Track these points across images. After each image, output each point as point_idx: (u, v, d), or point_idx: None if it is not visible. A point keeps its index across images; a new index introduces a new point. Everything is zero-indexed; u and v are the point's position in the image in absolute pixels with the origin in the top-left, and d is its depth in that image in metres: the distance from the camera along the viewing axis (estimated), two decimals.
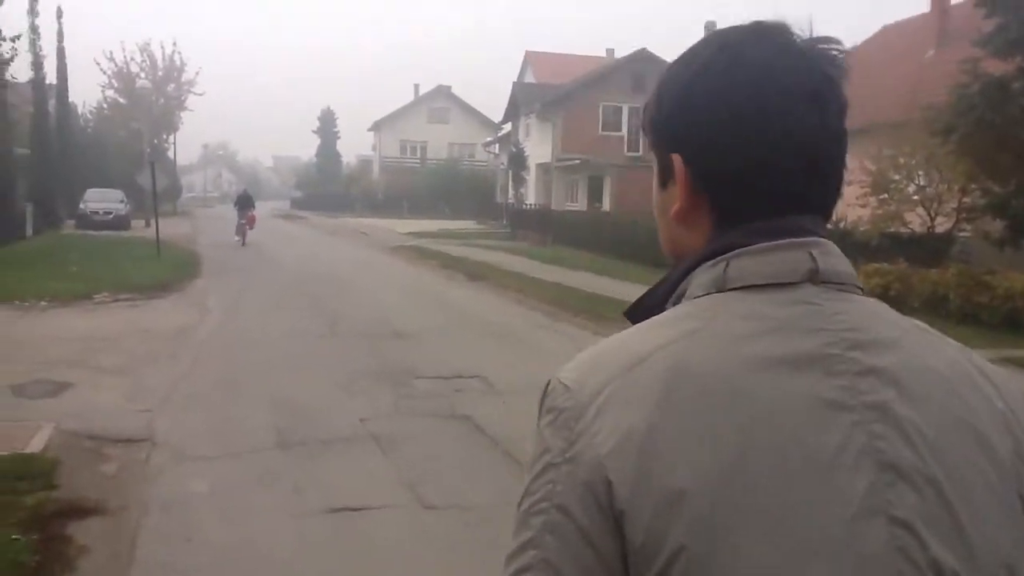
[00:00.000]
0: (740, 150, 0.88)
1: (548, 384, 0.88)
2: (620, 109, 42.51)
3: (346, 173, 79.45)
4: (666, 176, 0.97)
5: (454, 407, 7.91)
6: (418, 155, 71.76)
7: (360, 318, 13.13)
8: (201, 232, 35.68)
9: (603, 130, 42.35)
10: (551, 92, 43.26)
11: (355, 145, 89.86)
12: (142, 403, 7.76)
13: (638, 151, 42.04)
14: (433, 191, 62.11)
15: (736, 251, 0.88)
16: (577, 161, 40.10)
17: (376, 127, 74.44)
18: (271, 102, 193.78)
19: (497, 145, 56.40)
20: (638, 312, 0.96)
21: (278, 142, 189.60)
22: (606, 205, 39.18)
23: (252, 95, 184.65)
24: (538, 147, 43.32)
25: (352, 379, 8.95)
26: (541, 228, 32.98)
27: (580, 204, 41.09)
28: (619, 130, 42.54)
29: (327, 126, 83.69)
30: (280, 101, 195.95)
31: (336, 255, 25.89)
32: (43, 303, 13.69)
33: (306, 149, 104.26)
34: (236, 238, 27.91)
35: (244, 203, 28.86)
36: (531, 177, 44.61)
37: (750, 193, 0.90)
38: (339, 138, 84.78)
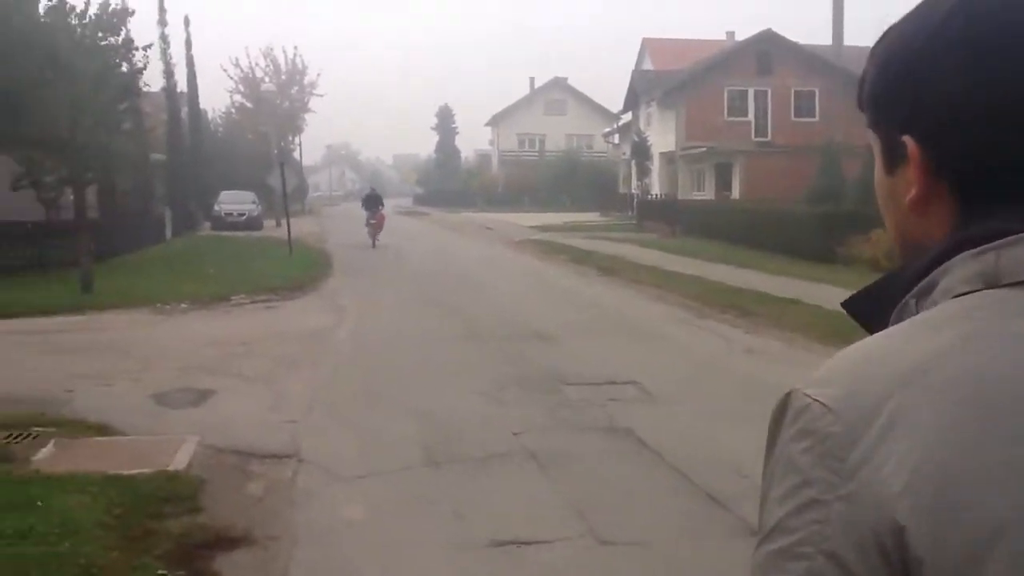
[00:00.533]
0: (996, 125, 0.77)
1: (789, 400, 0.75)
2: (746, 93, 40.84)
3: (465, 168, 79.79)
4: (894, 159, 0.84)
5: (612, 418, 7.25)
6: (536, 148, 71.40)
7: (496, 318, 12.63)
8: (330, 231, 36.20)
9: (729, 115, 40.77)
10: (672, 79, 41.95)
11: (473, 140, 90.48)
12: (285, 413, 7.42)
13: (766, 136, 40.40)
14: (553, 184, 61.58)
15: (1006, 239, 0.75)
16: (703, 149, 38.73)
17: (494, 121, 74.47)
18: (390, 101, 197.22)
19: (617, 135, 55.33)
20: (863, 305, 0.85)
21: (398, 140, 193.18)
22: (735, 193, 37.72)
23: (371, 94, 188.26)
24: (661, 136, 42.13)
25: (497, 386, 8.40)
26: (669, 219, 31.92)
27: (707, 193, 39.72)
28: (745, 115, 40.89)
29: (445, 122, 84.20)
30: (398, 100, 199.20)
31: (464, 251, 25.62)
32: (183, 305, 13.76)
33: (425, 146, 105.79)
34: (368, 239, 26.94)
35: (372, 202, 27.64)
36: (655, 167, 43.42)
37: (1008, 174, 0.77)
38: (457, 134, 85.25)
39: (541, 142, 71.48)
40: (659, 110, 43.48)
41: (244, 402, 7.89)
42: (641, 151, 41.57)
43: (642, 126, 45.44)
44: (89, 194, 30.73)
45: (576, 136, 70.53)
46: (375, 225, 26.80)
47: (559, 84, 73.29)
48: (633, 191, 46.64)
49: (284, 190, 22.39)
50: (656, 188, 42.73)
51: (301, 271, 18.51)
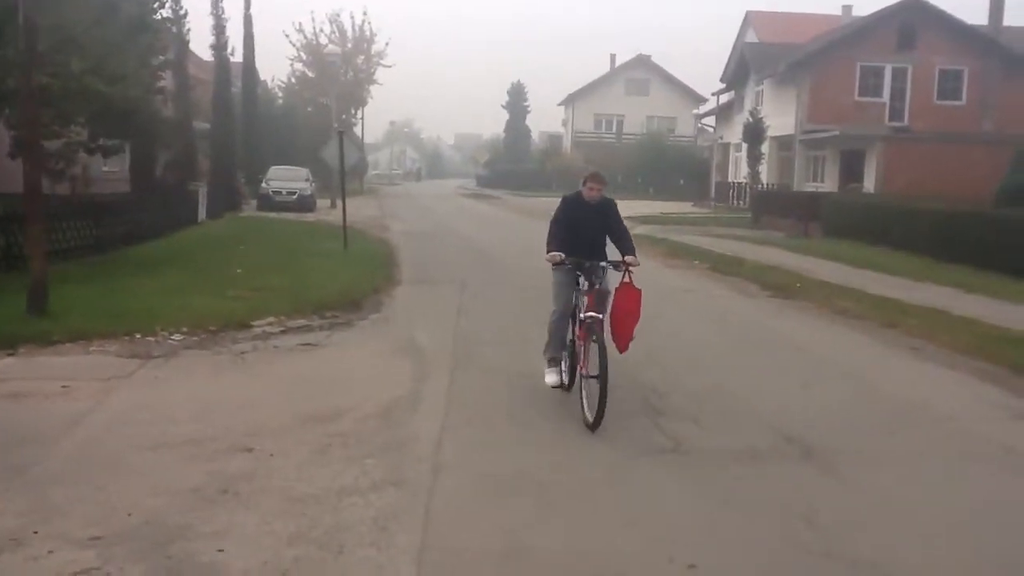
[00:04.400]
0: None
1: None
2: (882, 70, 34.80)
3: (539, 149, 74.37)
4: None
5: None
6: (613, 130, 65.77)
7: (688, 389, 7.44)
8: (391, 215, 31.25)
9: (860, 95, 34.78)
10: (794, 52, 36.03)
11: (543, 121, 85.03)
12: None
13: (902, 120, 34.40)
14: (634, 168, 55.89)
15: None
16: (832, 133, 32.84)
17: (569, 100, 68.95)
18: (453, 78, 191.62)
19: (714, 117, 49.44)
20: None
21: (459, 120, 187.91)
22: (869, 185, 31.86)
23: (435, 70, 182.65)
24: (773, 117, 36.30)
25: None
26: (799, 214, 26.23)
27: (827, 184, 33.90)
28: (879, 95, 34.85)
29: (517, 100, 78.69)
30: (463, 77, 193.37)
31: None
32: (175, 338, 8.83)
33: (488, 126, 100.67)
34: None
35: (591, 257, 7.27)
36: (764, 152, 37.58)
37: None
38: (529, 112, 79.76)
39: (619, 123, 65.85)
40: (774, 88, 37.61)
41: None
42: (755, 134, 35.78)
43: (747, 106, 39.61)
44: (107, 166, 26.28)
45: (658, 118, 64.69)
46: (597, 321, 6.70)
47: (643, 62, 67.39)
48: (736, 180, 40.87)
49: (342, 163, 17.44)
50: (764, 176, 37.00)
51: (358, 276, 13.49)
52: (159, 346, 8.55)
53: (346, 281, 12.75)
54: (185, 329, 9.13)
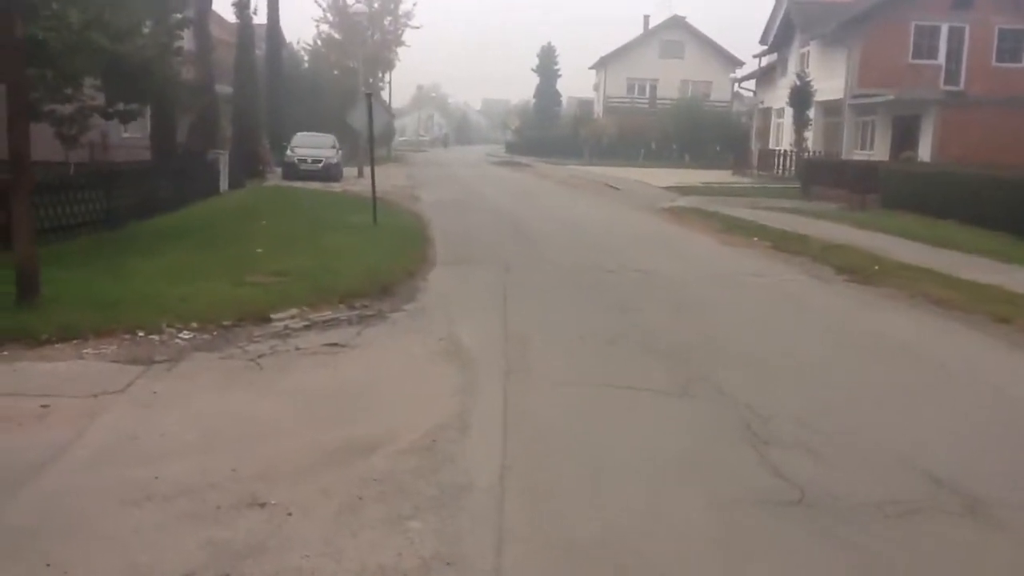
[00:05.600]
0: None
1: None
2: (937, 30, 32.78)
3: (570, 115, 72.46)
4: None
5: None
6: (647, 95, 63.81)
7: (792, 409, 6.13)
8: (420, 183, 29.97)
9: (914, 57, 32.83)
10: (844, 11, 34.07)
11: (573, 85, 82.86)
12: None
13: (958, 84, 32.48)
14: (669, 135, 54.10)
15: None
16: (889, 97, 31.01)
17: (601, 64, 66.97)
18: (480, 41, 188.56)
19: (754, 81, 47.45)
20: None
21: (487, 85, 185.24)
22: (923, 154, 30.10)
23: (462, 33, 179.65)
24: (820, 81, 34.42)
25: None
26: (855, 185, 24.62)
27: (876, 152, 32.14)
28: (935, 57, 32.89)
29: (547, 64, 76.58)
30: (491, 41, 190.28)
31: (606, 224, 18.99)
32: (184, 336, 7.63)
33: (516, 91, 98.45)
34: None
35: None
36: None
37: None
38: (559, 76, 77.69)
39: (653, 88, 63.84)
40: (821, 50, 35.66)
41: None
42: (802, 98, 33.98)
43: (790, 68, 37.72)
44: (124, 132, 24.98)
45: (693, 82, 62.56)
46: None
47: (678, 24, 65.17)
48: (779, 148, 39.08)
49: (370, 130, 16.14)
50: (810, 144, 35.25)
51: (389, 255, 12.26)
52: (164, 347, 7.36)
53: (376, 262, 11.50)
54: (195, 324, 7.94)
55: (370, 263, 11.36)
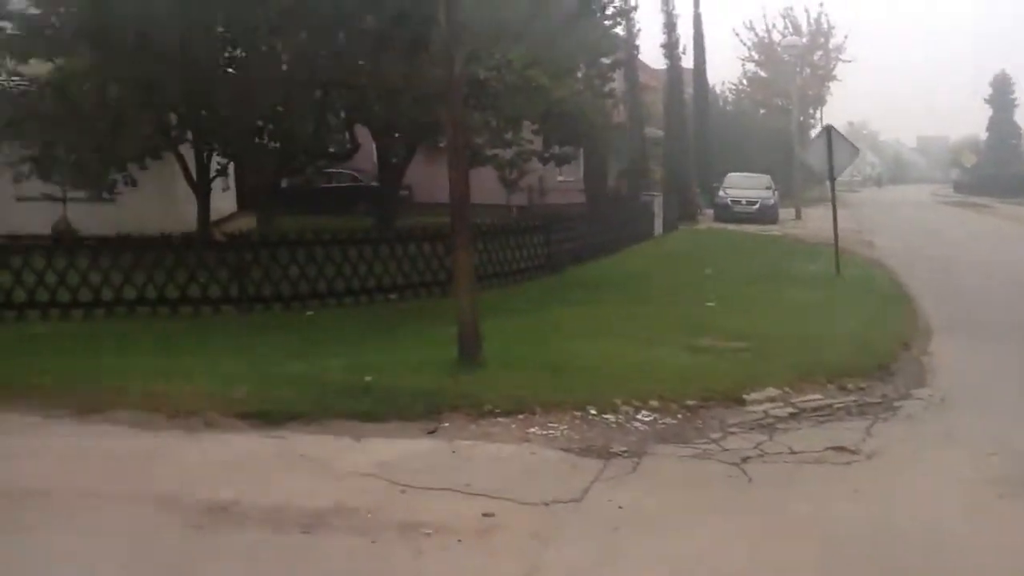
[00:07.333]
0: None
1: None
2: None
3: None
4: None
5: None
6: None
7: None
8: (870, 227, 26.34)
9: None
10: None
11: None
12: None
13: None
14: None
15: None
16: None
17: None
18: (915, 75, 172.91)
19: None
20: None
21: (921, 121, 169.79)
22: None
23: (894, 65, 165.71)
24: None
25: None
26: None
27: None
28: None
29: (1001, 94, 67.39)
30: (927, 75, 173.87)
31: None
32: (639, 418, 6.09)
33: (955, 127, 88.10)
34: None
35: None
36: None
37: None
38: (1016, 106, 67.85)
39: None
40: None
41: None
42: None
43: None
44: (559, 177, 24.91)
45: None
46: None
47: None
48: None
49: (830, 167, 13.93)
50: None
51: (870, 318, 9.94)
52: (620, 432, 5.89)
53: (857, 326, 9.25)
54: (654, 403, 6.40)
55: (851, 328, 9.15)
